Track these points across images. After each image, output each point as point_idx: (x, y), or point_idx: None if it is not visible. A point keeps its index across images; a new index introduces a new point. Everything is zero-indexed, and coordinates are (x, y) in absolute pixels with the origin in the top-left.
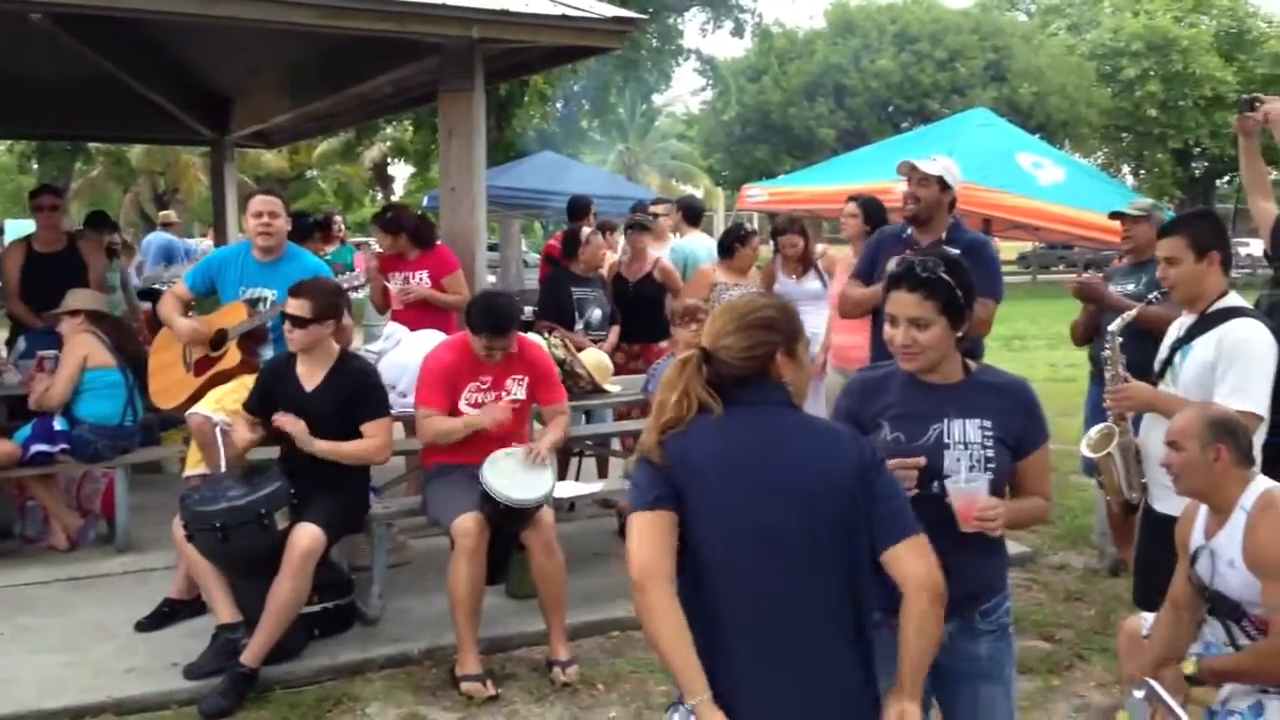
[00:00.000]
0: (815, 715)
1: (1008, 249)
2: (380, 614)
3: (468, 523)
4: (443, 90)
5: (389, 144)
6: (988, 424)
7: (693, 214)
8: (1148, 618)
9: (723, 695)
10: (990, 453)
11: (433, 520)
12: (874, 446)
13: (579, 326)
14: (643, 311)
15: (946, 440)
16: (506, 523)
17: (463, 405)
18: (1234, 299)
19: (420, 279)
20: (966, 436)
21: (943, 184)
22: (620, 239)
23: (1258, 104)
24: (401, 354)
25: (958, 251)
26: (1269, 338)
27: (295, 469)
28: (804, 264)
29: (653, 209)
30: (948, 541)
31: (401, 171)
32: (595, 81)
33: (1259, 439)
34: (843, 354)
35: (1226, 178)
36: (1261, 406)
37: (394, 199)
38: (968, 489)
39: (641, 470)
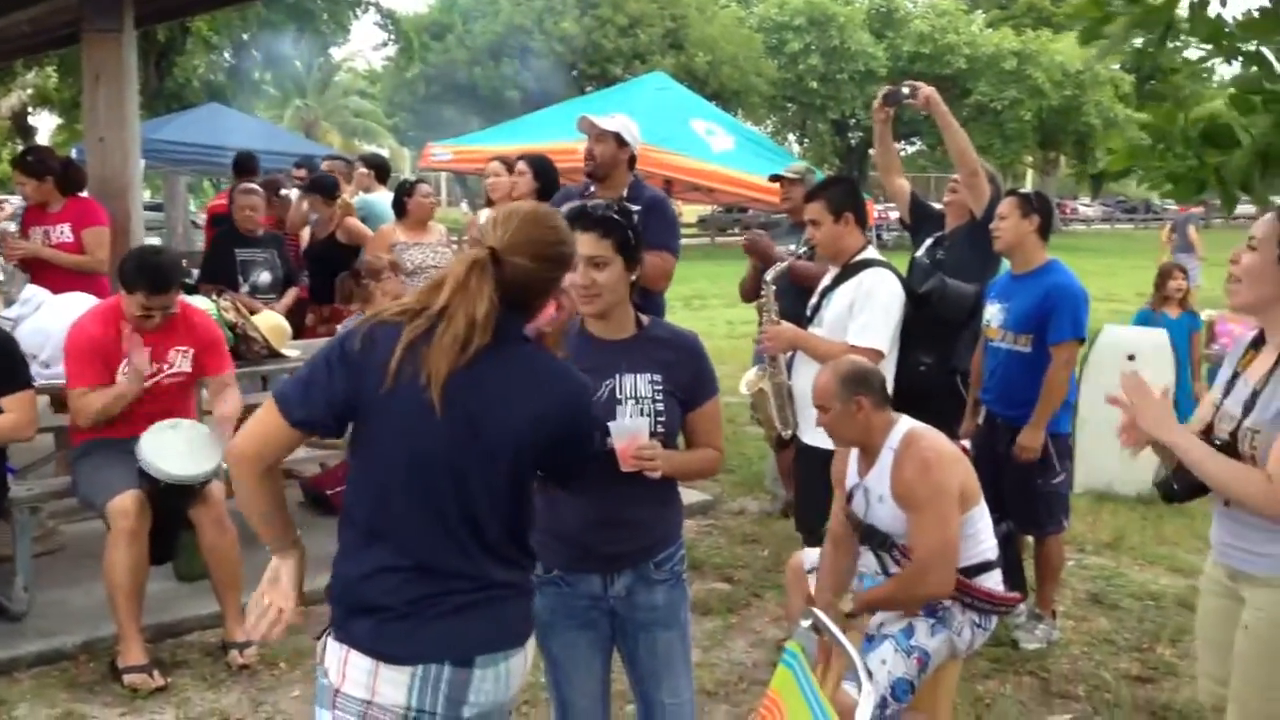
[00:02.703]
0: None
1: (688, 212)
2: (26, 607)
3: (125, 502)
4: (87, 31)
5: (30, 91)
6: (658, 378)
7: (382, 172)
8: (811, 553)
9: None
10: (660, 405)
11: (85, 502)
12: None
13: (244, 289)
14: (330, 272)
15: (619, 395)
16: (171, 500)
17: (119, 380)
18: (871, 253)
19: (61, 232)
20: (638, 391)
21: (620, 140)
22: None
23: (911, 89)
24: (43, 319)
25: (639, 207)
26: (896, 286)
27: None
28: None
29: (325, 166)
30: (625, 497)
31: (45, 122)
32: (267, 31)
33: (886, 374)
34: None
35: None
36: (884, 344)
37: None
38: (629, 426)
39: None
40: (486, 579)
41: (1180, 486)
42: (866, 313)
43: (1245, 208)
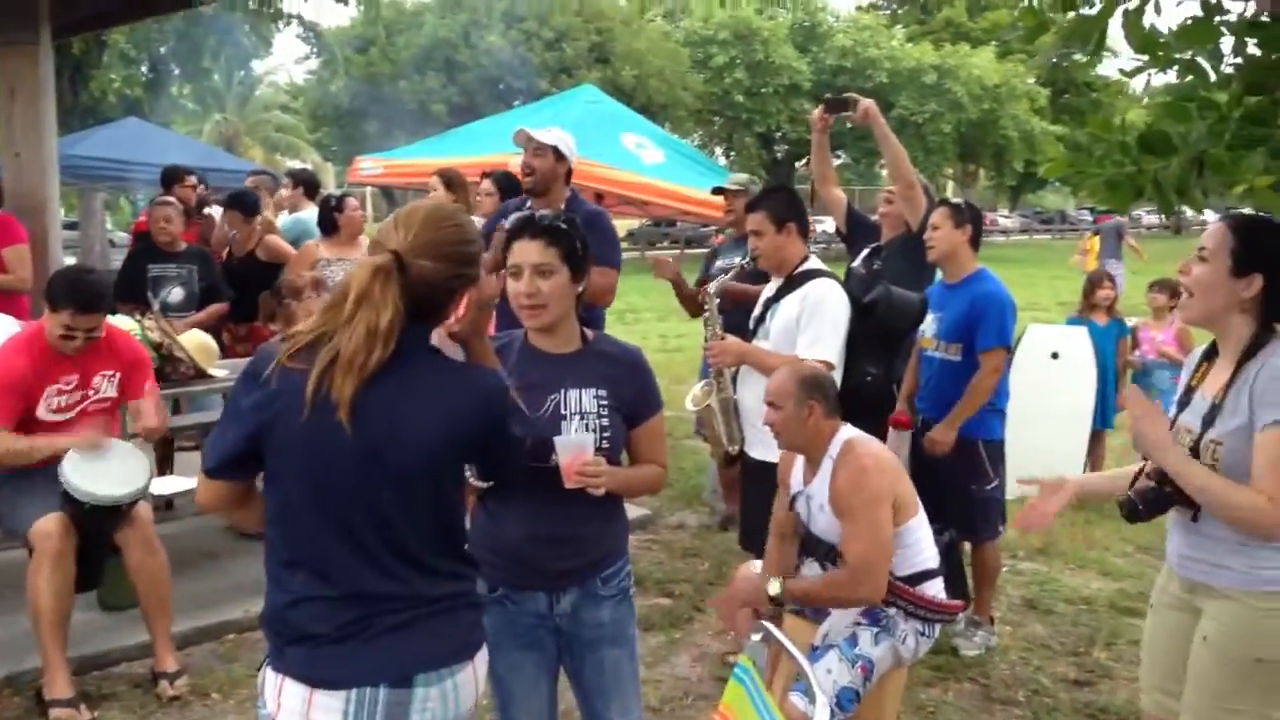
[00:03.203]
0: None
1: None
2: None
3: (48, 525)
4: (1, 43)
5: None
6: (603, 393)
7: (311, 188)
8: (756, 564)
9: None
10: (605, 420)
11: (5, 529)
12: None
13: (155, 306)
14: (248, 290)
15: (564, 411)
16: (96, 523)
17: (43, 413)
18: (814, 263)
19: None
20: (583, 406)
21: (558, 154)
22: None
23: (852, 102)
24: None
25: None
26: (842, 296)
27: None
28: None
29: (251, 182)
30: (570, 513)
31: None
32: (186, 44)
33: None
34: None
35: (804, 160)
36: (834, 356)
37: None
38: (574, 442)
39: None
40: (421, 596)
41: (1144, 506)
42: (815, 325)
43: (1152, 217)
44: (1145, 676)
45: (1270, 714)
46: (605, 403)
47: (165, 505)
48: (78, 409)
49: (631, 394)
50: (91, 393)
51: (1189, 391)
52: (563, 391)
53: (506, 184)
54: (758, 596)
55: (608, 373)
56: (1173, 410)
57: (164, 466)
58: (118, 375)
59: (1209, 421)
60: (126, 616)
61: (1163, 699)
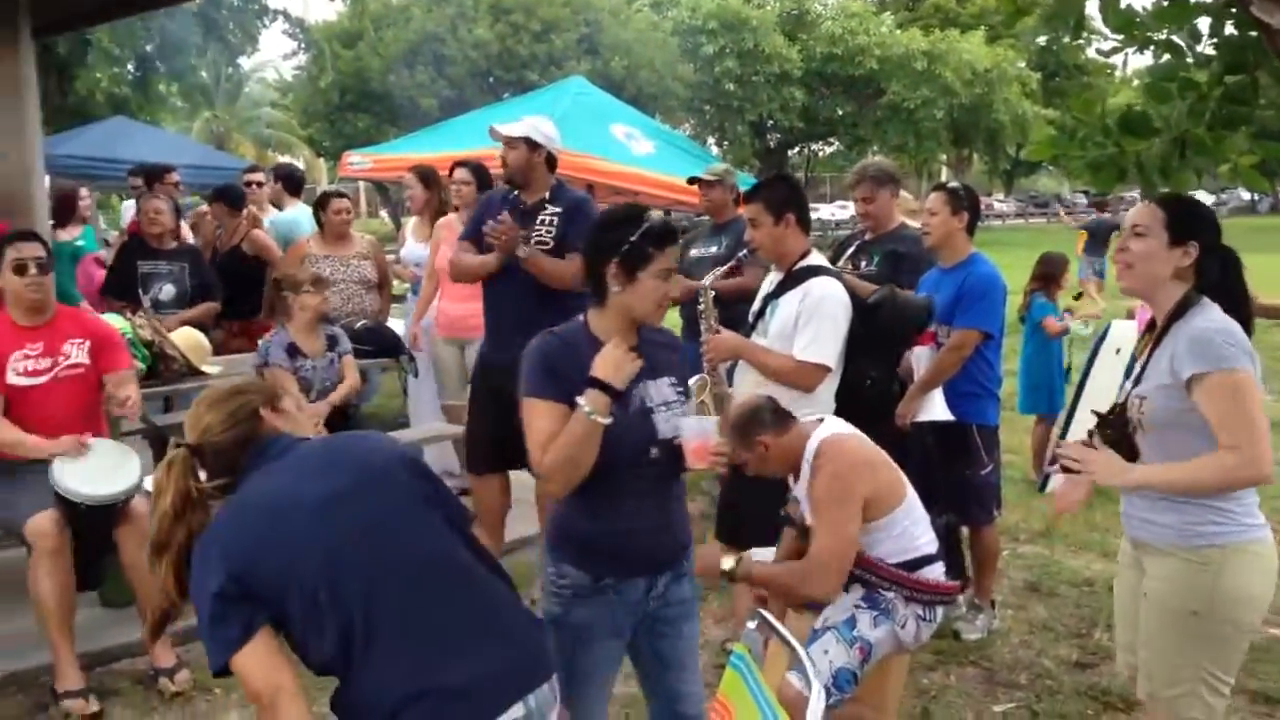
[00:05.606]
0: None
1: None
2: None
3: (43, 522)
4: None
5: None
6: (673, 379)
7: (293, 183)
8: (760, 552)
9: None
10: (681, 406)
11: (1, 526)
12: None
13: (146, 303)
14: (236, 286)
15: (649, 404)
16: (91, 523)
17: (14, 378)
18: (816, 258)
19: None
20: (664, 395)
21: (531, 143)
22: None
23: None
24: None
25: (559, 209)
26: (844, 296)
27: None
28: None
29: (248, 178)
30: (663, 501)
31: None
32: (171, 42)
33: (829, 388)
34: (457, 323)
35: (797, 148)
36: (830, 358)
37: None
38: (702, 426)
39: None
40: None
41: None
42: (813, 326)
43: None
44: (1117, 637)
45: (1208, 666)
46: (678, 388)
47: None
48: (50, 374)
49: (684, 375)
50: (62, 359)
51: (1131, 363)
52: (642, 385)
53: (480, 173)
54: (712, 567)
55: (667, 359)
56: (1126, 387)
57: (158, 464)
58: (87, 343)
59: (1137, 380)
60: (128, 613)
61: (1126, 656)
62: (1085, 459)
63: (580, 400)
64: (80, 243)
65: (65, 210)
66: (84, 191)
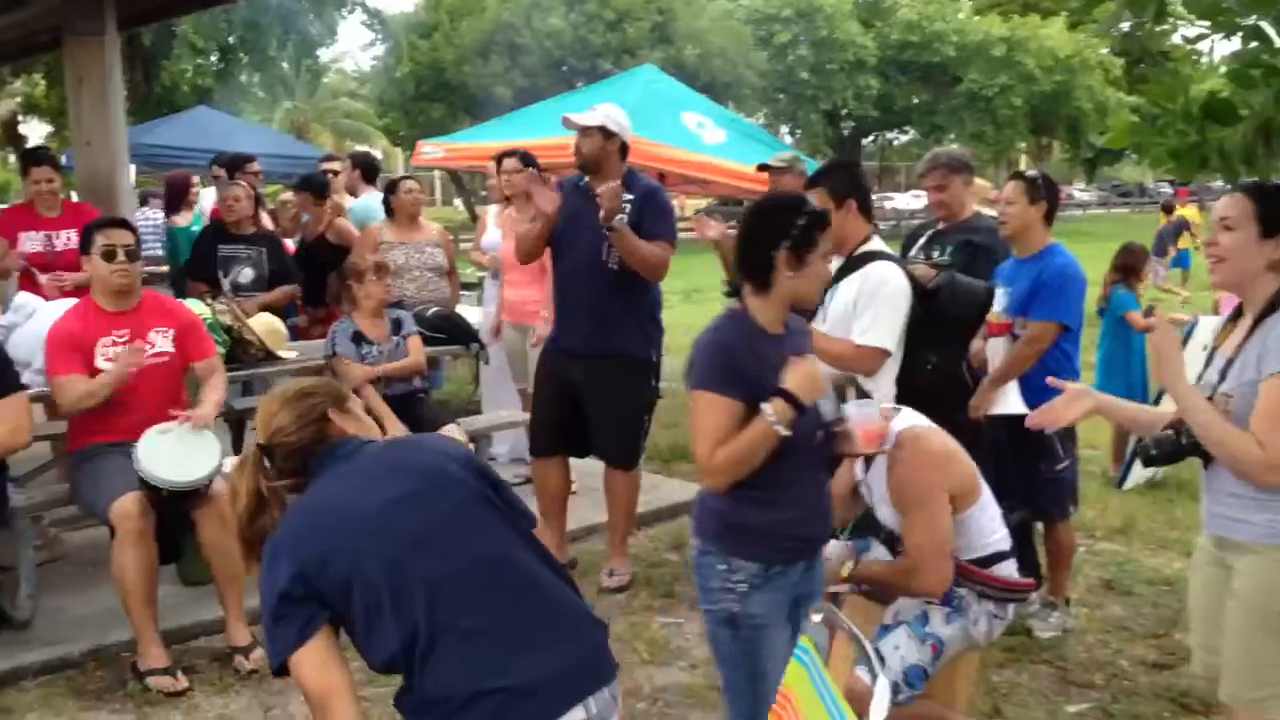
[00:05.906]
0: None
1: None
2: (31, 616)
3: (127, 505)
4: (69, 34)
5: (19, 99)
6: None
7: (370, 171)
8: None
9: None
10: (830, 393)
11: (87, 508)
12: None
13: (226, 286)
14: (321, 273)
15: None
16: (173, 504)
17: (100, 363)
18: (876, 243)
19: (68, 239)
20: None
21: (605, 133)
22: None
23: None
24: (37, 326)
25: (632, 196)
26: (903, 281)
27: None
28: None
29: (325, 167)
30: (822, 482)
31: (35, 130)
32: (253, 33)
33: (889, 373)
34: (517, 308)
35: (871, 137)
36: (889, 342)
37: None
38: (869, 412)
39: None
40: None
41: (1158, 451)
42: (872, 310)
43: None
44: (1193, 636)
45: None
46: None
47: None
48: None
49: None
50: (148, 346)
51: (1211, 352)
52: None
53: (529, 162)
54: (833, 571)
55: (808, 345)
56: (1212, 380)
57: (237, 447)
58: (172, 331)
59: (1223, 375)
60: (206, 591)
61: (1205, 656)
62: (1164, 341)
63: (766, 408)
64: (194, 228)
65: (177, 197)
66: (195, 179)
